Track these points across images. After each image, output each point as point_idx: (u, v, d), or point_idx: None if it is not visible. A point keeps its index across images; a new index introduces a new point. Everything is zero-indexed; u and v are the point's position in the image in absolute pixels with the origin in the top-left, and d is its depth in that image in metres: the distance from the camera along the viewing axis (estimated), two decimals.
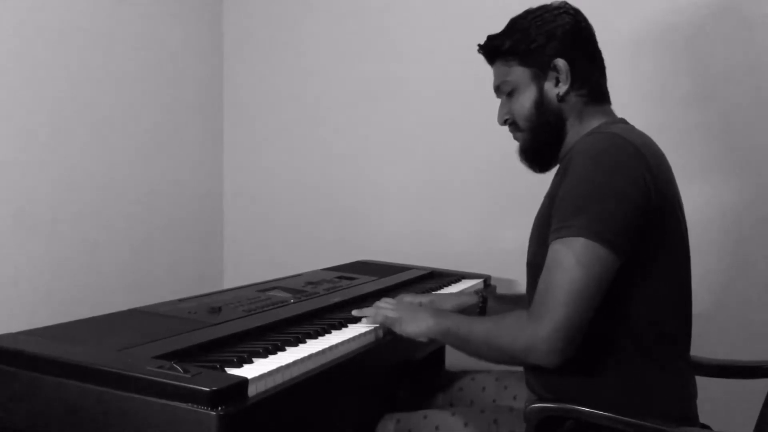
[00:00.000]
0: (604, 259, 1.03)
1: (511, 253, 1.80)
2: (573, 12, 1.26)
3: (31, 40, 1.92)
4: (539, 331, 1.03)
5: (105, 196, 2.15)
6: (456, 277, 1.96)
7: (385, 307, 1.33)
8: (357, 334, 1.25)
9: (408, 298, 1.54)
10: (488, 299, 1.56)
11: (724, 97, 1.89)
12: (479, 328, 1.16)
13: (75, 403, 0.96)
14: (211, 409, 0.86)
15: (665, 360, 1.14)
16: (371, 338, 1.29)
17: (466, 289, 1.79)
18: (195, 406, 0.87)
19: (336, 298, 1.53)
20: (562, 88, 1.22)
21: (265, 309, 1.39)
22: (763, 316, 1.87)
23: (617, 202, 1.05)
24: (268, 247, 2.60)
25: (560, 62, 1.22)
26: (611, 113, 1.27)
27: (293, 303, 1.47)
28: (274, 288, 1.62)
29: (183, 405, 0.87)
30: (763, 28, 1.85)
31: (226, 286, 2.57)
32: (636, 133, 1.19)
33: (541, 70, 1.23)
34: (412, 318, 1.26)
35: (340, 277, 1.81)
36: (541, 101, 1.24)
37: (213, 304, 1.37)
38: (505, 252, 2.08)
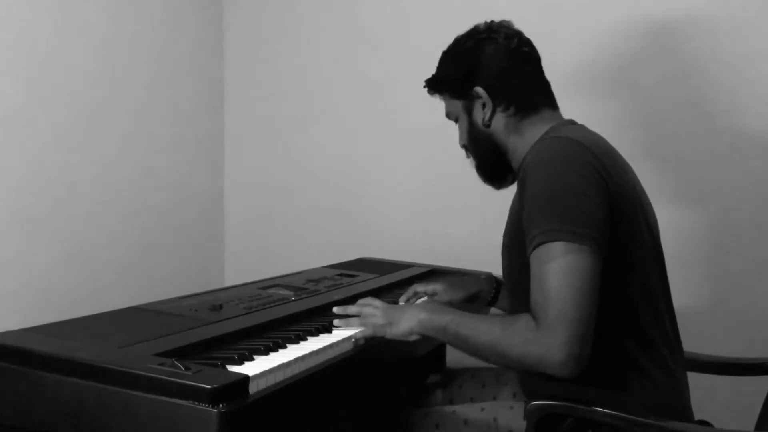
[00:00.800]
0: (588, 256, 1.03)
1: None
2: (495, 34, 1.30)
3: (32, 40, 1.92)
4: (554, 341, 1.01)
5: (106, 194, 2.16)
6: (457, 274, 1.95)
7: (371, 313, 1.27)
8: (358, 331, 1.25)
9: (421, 287, 1.56)
10: (501, 286, 1.57)
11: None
12: (484, 332, 1.12)
13: (76, 401, 0.96)
14: (213, 407, 0.86)
15: (653, 358, 1.14)
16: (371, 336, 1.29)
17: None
18: (196, 403, 0.87)
19: (337, 296, 1.53)
20: (486, 113, 1.29)
21: (266, 306, 1.39)
22: (764, 313, 1.87)
23: (581, 199, 1.06)
24: (269, 244, 2.60)
25: (480, 91, 1.29)
26: (557, 117, 1.30)
27: (294, 300, 1.47)
28: (275, 285, 1.62)
29: (184, 402, 0.87)
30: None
31: (227, 283, 2.58)
32: (584, 131, 1.21)
33: (468, 100, 1.32)
34: (400, 318, 1.22)
35: (341, 275, 1.81)
36: (472, 128, 1.33)
37: (214, 302, 1.37)
38: None
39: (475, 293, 1.57)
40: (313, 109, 2.51)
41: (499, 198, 2.15)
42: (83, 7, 2.07)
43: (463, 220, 2.22)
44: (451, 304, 1.52)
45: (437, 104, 2.25)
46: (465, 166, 2.23)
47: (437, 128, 2.26)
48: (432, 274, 1.98)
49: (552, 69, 1.36)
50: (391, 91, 2.35)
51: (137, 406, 0.91)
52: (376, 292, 1.64)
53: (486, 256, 1.88)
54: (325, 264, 1.99)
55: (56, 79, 1.99)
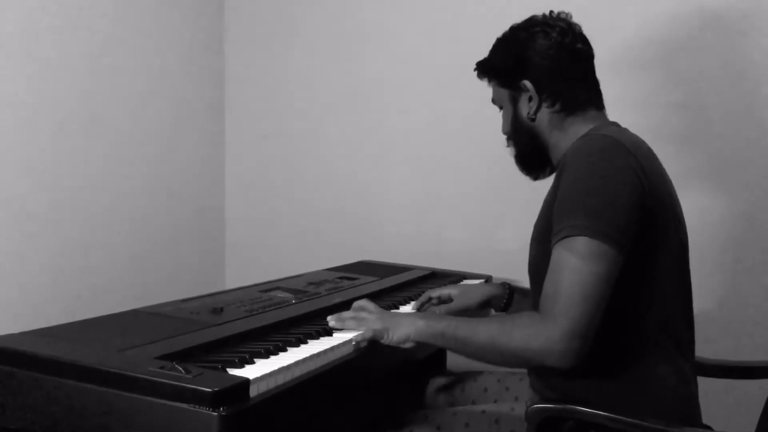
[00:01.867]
0: (608, 256, 1.04)
1: (511, 253, 1.80)
2: (550, 28, 1.28)
3: (32, 39, 1.92)
4: (555, 332, 1.02)
5: (107, 196, 2.16)
6: (457, 277, 1.95)
7: (369, 318, 1.26)
8: (357, 334, 1.25)
9: (435, 292, 1.56)
10: (515, 292, 1.57)
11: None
12: (483, 330, 1.13)
13: (77, 404, 0.96)
14: (213, 410, 0.86)
15: (668, 360, 1.15)
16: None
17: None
18: (197, 406, 0.87)
19: (338, 299, 1.53)
20: (532, 107, 1.29)
21: (267, 309, 1.39)
22: (765, 317, 1.87)
23: (614, 199, 1.06)
24: (270, 247, 2.60)
25: (527, 84, 1.28)
26: (601, 118, 1.29)
27: (295, 303, 1.47)
28: (275, 288, 1.62)
29: (185, 405, 0.87)
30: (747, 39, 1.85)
31: (228, 286, 2.58)
32: (627, 134, 1.21)
33: (515, 91, 1.32)
34: (397, 324, 1.21)
35: (341, 278, 1.81)
36: (516, 120, 1.33)
37: (215, 305, 1.37)
38: (505, 252, 2.08)
39: (489, 299, 1.58)
40: (314, 111, 2.51)
41: (499, 201, 2.16)
42: (83, 8, 2.07)
43: (464, 224, 2.22)
44: (466, 310, 1.55)
45: (440, 107, 2.27)
46: (465, 170, 2.25)
47: (439, 132, 2.28)
48: (432, 276, 1.98)
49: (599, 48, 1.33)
50: (393, 94, 2.35)
51: (138, 409, 0.91)
52: (377, 295, 1.64)
53: (486, 259, 1.90)
54: (326, 267, 1.99)
55: (56, 81, 1.99)
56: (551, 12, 1.31)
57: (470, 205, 2.22)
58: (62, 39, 2.01)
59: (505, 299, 1.57)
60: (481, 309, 1.57)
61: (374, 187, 2.40)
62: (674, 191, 1.22)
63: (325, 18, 2.47)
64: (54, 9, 1.98)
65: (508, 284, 1.60)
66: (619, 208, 1.06)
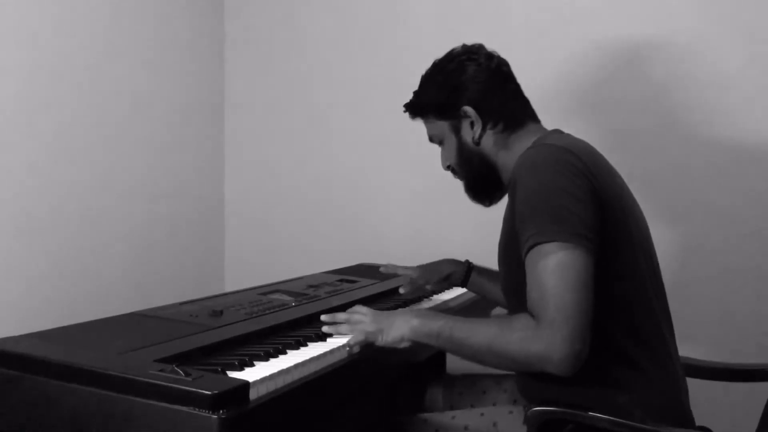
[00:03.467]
0: (581, 255, 1.04)
1: None
2: (475, 55, 1.33)
3: (32, 41, 1.92)
4: (555, 337, 1.01)
5: (105, 198, 2.16)
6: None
7: (361, 320, 1.24)
8: (350, 338, 1.25)
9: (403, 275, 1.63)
10: (473, 269, 1.64)
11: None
12: (479, 332, 1.12)
13: (76, 406, 0.96)
14: (213, 413, 0.86)
15: (655, 360, 1.14)
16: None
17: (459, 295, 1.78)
18: (196, 409, 0.87)
19: (337, 301, 1.53)
20: (476, 132, 1.32)
21: (267, 312, 1.39)
22: (764, 318, 1.87)
23: (570, 200, 1.07)
24: (269, 250, 2.60)
25: (468, 109, 1.31)
26: (541, 129, 1.33)
27: (294, 306, 1.47)
28: (275, 291, 1.62)
29: (184, 408, 0.87)
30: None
31: (228, 289, 2.58)
32: (570, 139, 1.24)
33: (455, 120, 1.34)
34: (390, 324, 1.21)
35: (341, 280, 1.81)
36: (461, 148, 1.36)
37: (214, 307, 1.37)
38: None
39: (448, 274, 1.64)
40: (313, 113, 2.51)
41: (498, 204, 2.16)
42: (83, 9, 2.07)
43: (463, 226, 2.22)
44: (427, 283, 1.63)
45: None
46: None
47: None
48: None
49: (533, 87, 1.39)
50: (391, 96, 2.33)
51: (137, 412, 0.91)
52: (376, 298, 1.64)
53: (485, 261, 1.89)
54: (325, 269, 1.99)
55: (56, 82, 1.99)
56: (465, 45, 1.36)
57: (469, 207, 2.20)
58: (63, 40, 2.01)
59: (463, 275, 1.64)
60: (442, 284, 1.65)
61: (374, 190, 2.40)
62: (626, 187, 1.24)
63: (325, 19, 2.47)
64: (55, 10, 1.98)
65: (468, 261, 1.66)
66: (577, 208, 1.07)
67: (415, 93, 1.41)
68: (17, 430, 1.02)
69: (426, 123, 1.41)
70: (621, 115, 2.01)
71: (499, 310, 1.70)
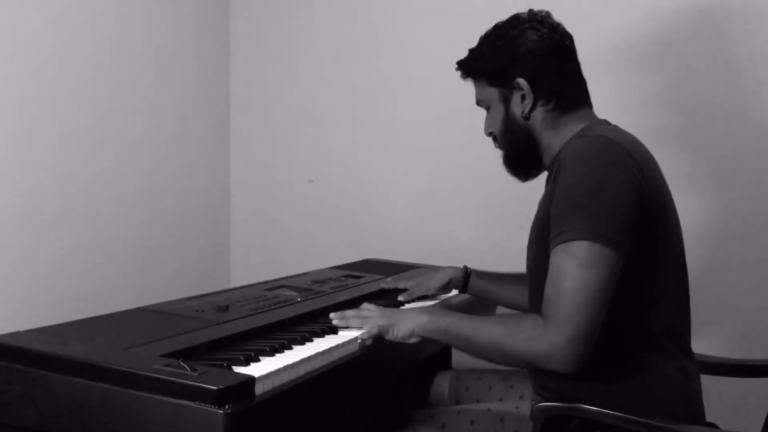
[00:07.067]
0: (609, 258, 1.03)
1: (516, 251, 1.79)
2: (539, 25, 1.26)
3: (36, 39, 1.93)
4: (559, 337, 1.02)
5: (112, 194, 2.16)
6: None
7: (372, 315, 1.25)
8: (363, 332, 1.25)
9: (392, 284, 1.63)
10: (471, 275, 1.62)
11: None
12: (487, 330, 1.13)
13: (82, 402, 0.97)
14: (219, 408, 0.86)
15: (672, 358, 1.14)
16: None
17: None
18: (202, 404, 0.87)
19: (343, 297, 1.53)
20: (526, 106, 1.25)
21: (272, 307, 1.39)
22: None
23: (613, 201, 1.06)
24: (275, 245, 2.60)
25: (522, 82, 1.24)
26: (592, 116, 1.28)
27: (300, 301, 1.47)
28: (280, 286, 1.62)
29: (190, 403, 0.88)
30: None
31: (233, 284, 2.58)
32: (621, 132, 1.20)
33: (507, 90, 1.27)
34: (400, 320, 1.21)
35: (346, 276, 1.81)
36: (508, 119, 1.29)
37: (220, 303, 1.37)
38: (510, 250, 2.06)
39: (447, 282, 1.62)
40: (318, 110, 2.51)
41: (503, 199, 2.15)
42: (88, 9, 2.07)
43: (468, 221, 2.22)
44: (426, 294, 1.62)
45: (445, 105, 2.26)
46: (470, 168, 2.24)
47: (444, 129, 2.27)
48: None
49: (587, 46, 1.32)
50: (397, 93, 2.35)
51: (143, 407, 0.91)
52: (382, 294, 1.64)
53: (491, 257, 1.89)
54: (331, 265, 1.99)
55: (61, 81, 1.99)
56: (532, 10, 1.29)
57: (476, 203, 2.22)
58: (68, 39, 2.01)
59: (461, 282, 1.62)
60: (442, 291, 1.64)
61: (380, 185, 2.40)
62: (667, 188, 1.21)
63: (330, 18, 2.47)
64: (59, 10, 1.98)
65: (467, 267, 1.64)
66: (618, 209, 1.05)
67: (471, 52, 1.33)
68: (24, 425, 1.02)
69: (476, 85, 1.33)
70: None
71: (501, 310, 1.70)
